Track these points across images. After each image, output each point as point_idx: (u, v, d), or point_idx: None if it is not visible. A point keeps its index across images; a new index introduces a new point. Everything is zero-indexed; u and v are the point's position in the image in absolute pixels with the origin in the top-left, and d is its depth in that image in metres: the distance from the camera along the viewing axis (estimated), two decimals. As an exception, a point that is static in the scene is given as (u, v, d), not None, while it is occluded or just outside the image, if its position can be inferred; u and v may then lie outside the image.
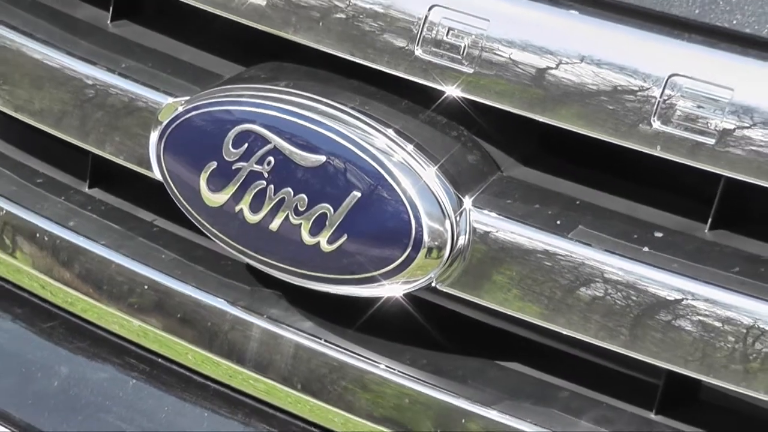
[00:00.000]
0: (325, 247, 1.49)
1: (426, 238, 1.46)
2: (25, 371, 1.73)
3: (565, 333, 1.44)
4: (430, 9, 1.46)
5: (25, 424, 1.67)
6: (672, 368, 1.39)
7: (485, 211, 1.46)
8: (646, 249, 1.41)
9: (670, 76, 1.36)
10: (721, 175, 1.36)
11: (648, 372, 1.44)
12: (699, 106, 1.35)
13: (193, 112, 1.55)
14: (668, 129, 1.36)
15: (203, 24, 1.60)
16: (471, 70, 1.44)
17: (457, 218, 1.46)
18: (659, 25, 1.39)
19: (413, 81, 1.47)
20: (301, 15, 1.51)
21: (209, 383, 1.63)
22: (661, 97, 1.37)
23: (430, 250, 1.46)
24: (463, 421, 1.49)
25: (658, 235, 1.42)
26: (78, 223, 1.69)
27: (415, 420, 1.51)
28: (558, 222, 1.44)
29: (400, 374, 1.52)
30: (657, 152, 1.37)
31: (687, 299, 1.37)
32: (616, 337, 1.40)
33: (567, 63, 1.40)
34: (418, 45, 1.46)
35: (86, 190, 1.72)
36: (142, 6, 1.67)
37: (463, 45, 1.45)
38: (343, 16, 1.49)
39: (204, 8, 1.55)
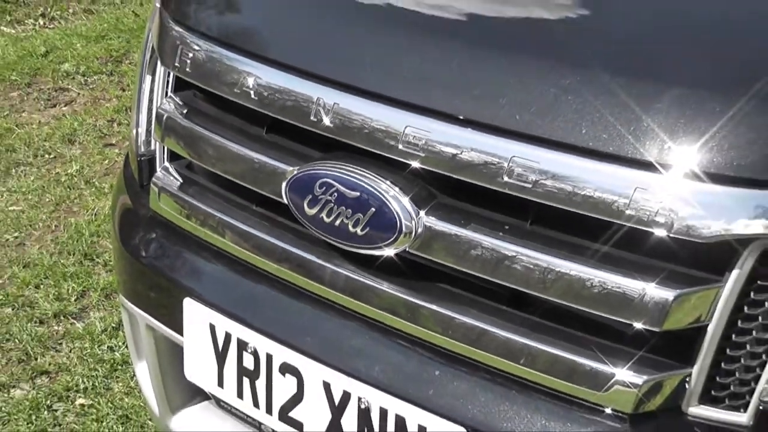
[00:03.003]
0: (359, 233, 1.49)
1: (404, 229, 1.46)
2: (227, 285, 1.72)
3: (460, 269, 1.45)
4: (405, 127, 1.45)
5: (221, 309, 1.67)
6: (506, 284, 1.40)
7: (430, 218, 1.46)
8: (500, 234, 1.41)
9: (512, 157, 1.37)
10: (533, 200, 1.36)
11: (498, 286, 1.43)
12: (524, 170, 1.35)
13: (301, 173, 1.55)
14: (510, 180, 1.36)
15: (307, 134, 1.58)
16: (423, 155, 1.44)
17: (418, 221, 1.46)
18: (508, 134, 1.38)
19: (398, 159, 1.47)
20: (349, 130, 1.51)
21: (306, 292, 1.62)
22: (508, 165, 1.36)
23: (406, 234, 1.46)
24: (420, 310, 1.48)
25: (507, 227, 1.41)
26: (250, 222, 1.68)
27: (398, 307, 1.51)
28: (461, 221, 1.44)
29: (392, 288, 1.51)
30: (506, 190, 1.38)
31: (517, 255, 1.38)
32: (487, 270, 1.42)
33: (464, 150, 1.40)
34: (400, 143, 1.46)
35: (254, 207, 1.70)
36: (280, 127, 1.63)
37: (420, 143, 1.44)
38: (367, 131, 1.49)
39: (306, 128, 1.56)
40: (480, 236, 1.42)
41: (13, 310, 3.09)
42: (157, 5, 1.88)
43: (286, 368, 1.59)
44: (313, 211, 1.52)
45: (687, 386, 1.31)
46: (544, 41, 1.47)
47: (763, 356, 1.28)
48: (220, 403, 1.81)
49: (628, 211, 1.29)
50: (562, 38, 1.46)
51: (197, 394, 1.87)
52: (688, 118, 1.29)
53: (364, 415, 1.50)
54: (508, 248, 1.39)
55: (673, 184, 1.27)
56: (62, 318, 3.05)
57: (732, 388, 1.30)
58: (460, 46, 1.49)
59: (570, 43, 1.44)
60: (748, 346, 1.29)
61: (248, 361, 1.64)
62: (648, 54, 1.40)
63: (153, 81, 1.89)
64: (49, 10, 5.43)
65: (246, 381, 1.65)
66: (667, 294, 1.28)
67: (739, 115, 1.27)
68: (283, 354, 1.59)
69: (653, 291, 1.29)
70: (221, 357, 1.67)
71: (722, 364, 1.30)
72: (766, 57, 1.34)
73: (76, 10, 5.46)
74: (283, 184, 1.57)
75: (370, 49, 1.57)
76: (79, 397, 2.75)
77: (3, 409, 2.70)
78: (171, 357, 1.84)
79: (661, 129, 1.29)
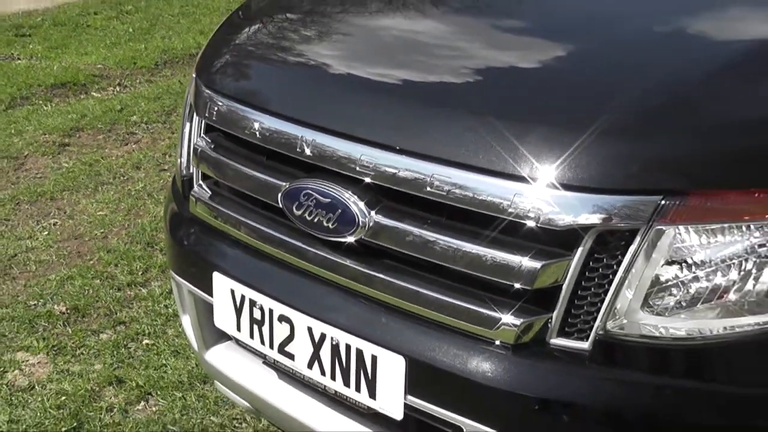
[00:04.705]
0: (330, 227, 1.46)
1: (360, 224, 1.43)
2: (243, 263, 1.66)
3: (399, 249, 1.41)
4: (361, 155, 1.42)
5: (238, 279, 1.61)
6: (430, 259, 1.37)
7: (378, 216, 1.43)
8: (425, 225, 1.38)
9: (432, 174, 1.33)
10: (447, 203, 1.34)
11: (424, 261, 1.39)
12: (441, 183, 1.32)
13: (291, 187, 1.51)
14: (431, 190, 1.34)
15: (294, 161, 1.52)
16: (373, 173, 1.40)
17: (370, 218, 1.43)
18: (430, 159, 1.35)
19: (356, 177, 1.42)
20: (323, 157, 1.47)
21: (295, 266, 1.57)
22: (429, 180, 1.34)
23: (361, 227, 1.43)
24: (372, 277, 1.44)
25: (429, 221, 1.38)
26: (257, 220, 1.62)
27: (357, 276, 1.47)
28: (400, 217, 1.41)
29: (353, 263, 1.47)
30: (428, 197, 1.34)
31: (437, 240, 1.35)
32: (417, 250, 1.39)
33: (400, 170, 1.37)
34: (357, 165, 1.42)
35: (260, 210, 1.65)
36: (276, 156, 1.57)
37: (371, 165, 1.41)
38: (334, 158, 1.45)
39: (294, 156, 1.51)
40: (412, 228, 1.39)
41: (100, 281, 3.04)
42: (194, 75, 1.84)
43: (282, 318, 1.56)
44: (299, 212, 1.50)
45: (549, 325, 1.31)
46: (453, 96, 1.45)
47: (598, 304, 1.28)
48: (238, 342, 1.77)
49: (510, 210, 1.28)
50: (465, 93, 1.44)
51: (223, 336, 1.83)
52: (549, 147, 1.28)
53: (335, 349, 1.48)
54: (431, 235, 1.37)
55: (539, 191, 1.27)
56: (133, 286, 3.00)
57: (578, 326, 1.30)
58: (396, 101, 1.47)
59: (470, 97, 1.43)
60: (588, 298, 1.29)
61: (257, 314, 1.61)
62: (523, 104, 1.40)
63: (191, 126, 1.84)
64: (123, 80, 5.41)
65: (255, 327, 1.62)
66: (536, 264, 1.28)
67: (582, 145, 1.27)
68: (280, 308, 1.56)
69: (527, 262, 1.29)
70: (238, 311, 1.64)
71: (572, 311, 1.31)
72: (601, 108, 1.33)
73: (141, 80, 5.43)
74: (279, 195, 1.54)
75: (336, 103, 1.54)
76: (145, 338, 2.70)
77: (95, 347, 2.66)
78: (205, 311, 1.80)
79: (532, 155, 1.29)
